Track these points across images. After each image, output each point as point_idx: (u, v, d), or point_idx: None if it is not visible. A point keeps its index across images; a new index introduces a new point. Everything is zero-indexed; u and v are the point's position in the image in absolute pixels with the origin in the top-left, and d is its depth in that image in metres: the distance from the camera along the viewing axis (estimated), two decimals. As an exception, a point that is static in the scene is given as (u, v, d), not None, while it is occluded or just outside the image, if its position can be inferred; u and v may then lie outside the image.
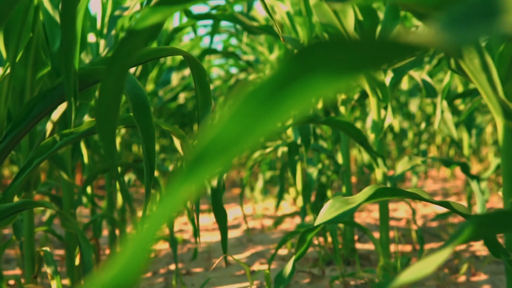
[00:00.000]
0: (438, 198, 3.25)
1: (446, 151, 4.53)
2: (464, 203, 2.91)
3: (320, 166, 1.97)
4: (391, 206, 3.02)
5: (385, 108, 1.36)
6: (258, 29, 1.54)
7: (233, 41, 3.96)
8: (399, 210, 2.93)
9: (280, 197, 2.31)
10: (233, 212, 2.91)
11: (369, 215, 2.64)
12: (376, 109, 1.35)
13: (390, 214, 2.78)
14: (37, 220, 2.76)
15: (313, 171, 1.92)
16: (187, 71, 3.22)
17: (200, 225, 2.64)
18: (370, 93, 1.36)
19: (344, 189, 1.72)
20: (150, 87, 3.14)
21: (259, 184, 2.88)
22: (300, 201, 2.69)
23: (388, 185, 1.37)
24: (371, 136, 1.35)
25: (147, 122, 0.87)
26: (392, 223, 2.53)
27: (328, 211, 0.74)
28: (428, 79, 1.61)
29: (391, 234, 2.22)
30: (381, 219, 1.35)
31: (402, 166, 1.39)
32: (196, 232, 1.73)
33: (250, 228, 2.33)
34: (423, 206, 2.88)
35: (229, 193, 3.88)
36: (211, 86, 3.46)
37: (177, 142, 1.07)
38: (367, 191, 0.75)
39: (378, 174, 1.34)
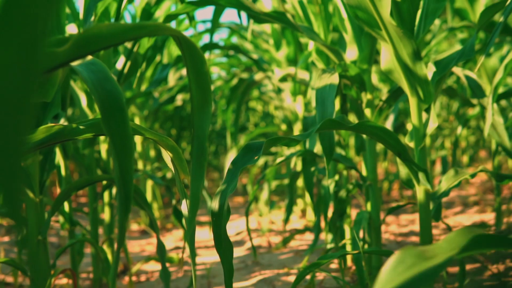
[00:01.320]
0: (458, 209, 2.99)
1: (459, 157, 4.26)
2: (490, 214, 2.64)
3: (337, 177, 1.71)
4: (405, 217, 2.76)
5: (427, 111, 1.10)
6: (266, 16, 1.28)
7: (235, 39, 3.69)
8: (418, 222, 2.66)
9: (289, 211, 2.04)
10: (235, 225, 2.64)
11: (386, 229, 2.37)
12: (416, 112, 1.09)
13: (408, 227, 2.52)
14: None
15: (329, 184, 1.66)
16: (185, 70, 2.95)
17: (199, 241, 2.37)
18: (409, 91, 1.09)
19: (368, 207, 1.45)
20: (145, 87, 2.88)
21: (264, 195, 2.61)
22: (310, 214, 2.42)
23: (431, 205, 1.11)
24: (411, 145, 1.08)
25: (121, 129, 0.61)
26: (412, 238, 2.27)
27: (395, 271, 0.47)
28: (473, 75, 1.35)
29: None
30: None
31: (447, 181, 1.13)
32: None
33: (256, 245, 2.07)
34: (443, 217, 2.61)
35: (230, 202, 3.61)
36: (212, 87, 3.19)
37: (166, 155, 0.81)
38: (455, 238, 0.48)
39: (420, 192, 1.08)
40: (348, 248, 1.57)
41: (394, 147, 1.06)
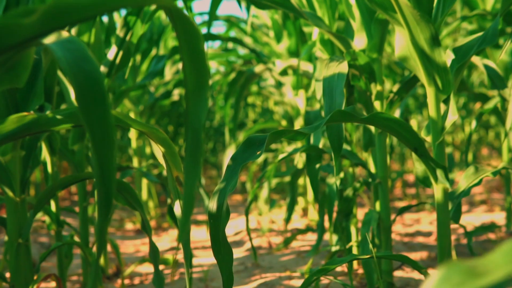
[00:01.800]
0: (464, 208, 2.89)
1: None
2: (499, 214, 2.55)
3: (342, 175, 1.61)
4: (410, 216, 2.67)
5: (446, 102, 1.00)
6: (269, 1, 1.18)
7: (233, 34, 3.59)
8: (423, 221, 2.57)
9: (290, 210, 1.95)
10: (234, 224, 2.54)
11: (404, 230, 2.27)
12: (434, 103, 0.99)
13: (414, 227, 2.42)
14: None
15: (334, 182, 1.56)
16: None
17: (196, 241, 2.27)
18: (426, 80, 1.00)
19: (377, 206, 1.36)
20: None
21: (264, 193, 2.52)
22: (312, 213, 2.33)
23: (450, 205, 1.01)
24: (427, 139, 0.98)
25: (101, 117, 0.51)
26: (419, 239, 2.18)
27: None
28: (493, 65, 1.25)
29: (425, 254, 1.87)
30: (440, 256, 0.99)
31: (467, 179, 1.03)
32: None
33: (256, 246, 1.97)
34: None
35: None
36: (210, 81, 3.09)
37: (156, 149, 0.71)
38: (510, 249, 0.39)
39: (437, 191, 0.98)
40: (355, 250, 1.47)
41: (409, 141, 0.96)
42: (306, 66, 1.74)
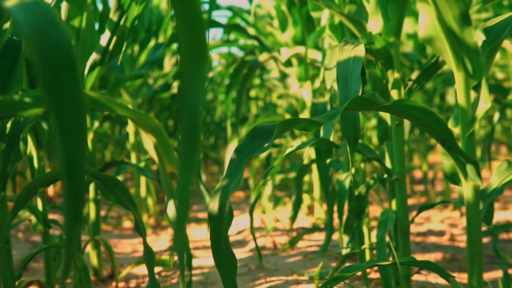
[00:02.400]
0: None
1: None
2: (512, 212, 2.43)
3: (352, 171, 1.50)
4: (422, 213, 2.55)
5: (476, 89, 0.89)
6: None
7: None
8: (433, 219, 2.46)
9: (296, 208, 1.83)
10: (236, 222, 2.43)
11: (416, 229, 2.16)
12: (463, 90, 0.88)
13: (425, 226, 2.31)
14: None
15: (345, 178, 1.45)
16: (182, 55, 2.74)
17: (197, 241, 2.16)
18: (455, 64, 0.88)
19: (393, 205, 1.25)
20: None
21: (268, 190, 2.40)
22: (318, 211, 2.21)
23: (481, 205, 0.90)
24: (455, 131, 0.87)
25: (69, 94, 0.40)
26: (431, 239, 2.06)
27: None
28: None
29: (439, 256, 1.75)
30: (470, 265, 0.87)
31: (499, 175, 0.92)
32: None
33: (260, 246, 1.86)
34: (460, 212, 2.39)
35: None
36: (211, 73, 2.97)
37: (147, 140, 0.60)
38: None
39: (467, 189, 0.87)
40: (368, 253, 1.36)
41: (437, 133, 0.85)
42: (314, 54, 1.63)
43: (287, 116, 2.63)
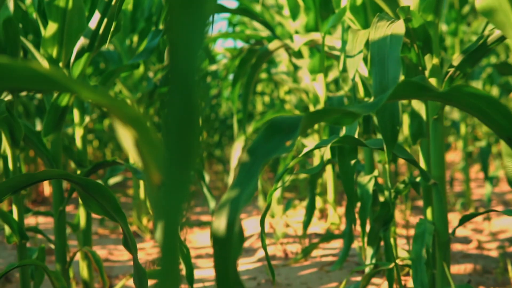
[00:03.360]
0: (498, 209, 2.59)
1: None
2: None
3: (376, 173, 1.32)
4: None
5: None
6: None
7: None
8: (453, 224, 2.27)
9: (310, 213, 1.66)
10: (243, 224, 2.25)
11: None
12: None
13: (466, 227, 2.13)
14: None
15: (368, 181, 1.27)
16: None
17: (199, 248, 1.99)
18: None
19: (428, 214, 1.06)
20: (141, 68, 2.49)
21: (276, 192, 2.22)
22: (332, 215, 2.03)
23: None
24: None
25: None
26: (457, 246, 1.88)
27: None
28: None
29: (469, 267, 1.57)
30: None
31: None
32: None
33: (270, 255, 1.68)
34: (484, 219, 2.21)
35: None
36: (215, 66, 2.80)
37: (123, 135, 0.42)
38: None
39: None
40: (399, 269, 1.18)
41: (502, 128, 0.67)
42: (331, 41, 1.45)
43: (296, 112, 2.46)
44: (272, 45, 1.52)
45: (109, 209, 0.82)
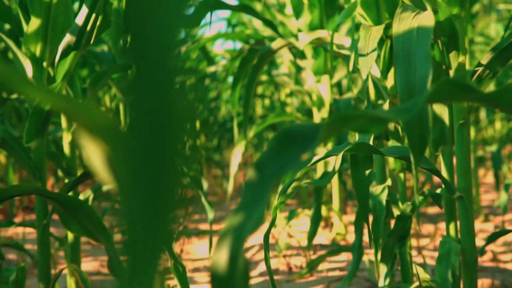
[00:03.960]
0: None
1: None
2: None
3: (389, 182, 1.21)
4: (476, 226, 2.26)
5: None
6: None
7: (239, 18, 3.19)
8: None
9: (315, 224, 1.55)
10: (242, 236, 2.14)
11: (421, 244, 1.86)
12: None
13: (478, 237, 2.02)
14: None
15: (381, 192, 1.17)
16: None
17: (197, 260, 1.88)
18: None
19: (451, 230, 0.95)
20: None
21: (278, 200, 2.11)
22: (337, 225, 1.92)
23: None
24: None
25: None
26: (486, 261, 1.77)
27: None
28: None
29: (482, 283, 1.46)
30: None
31: None
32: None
33: (272, 269, 1.57)
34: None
35: (235, 203, 3.12)
36: (214, 68, 2.69)
37: (90, 150, 0.31)
38: None
39: None
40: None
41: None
42: (339, 39, 1.34)
43: (298, 115, 2.34)
44: (275, 43, 1.41)
45: (91, 228, 0.71)
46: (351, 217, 2.29)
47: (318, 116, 2.06)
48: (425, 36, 0.66)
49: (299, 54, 2.11)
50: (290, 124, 0.49)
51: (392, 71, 1.20)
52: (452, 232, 0.96)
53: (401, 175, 1.20)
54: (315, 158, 0.94)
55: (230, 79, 3.59)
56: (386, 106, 0.98)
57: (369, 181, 0.95)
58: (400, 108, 0.49)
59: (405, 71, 0.65)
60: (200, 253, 1.96)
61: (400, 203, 1.21)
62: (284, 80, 2.32)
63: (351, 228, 2.11)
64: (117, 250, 0.77)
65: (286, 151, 0.46)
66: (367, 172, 0.95)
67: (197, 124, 4.20)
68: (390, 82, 1.20)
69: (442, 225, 2.23)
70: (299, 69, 1.98)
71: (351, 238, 1.92)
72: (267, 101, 4.32)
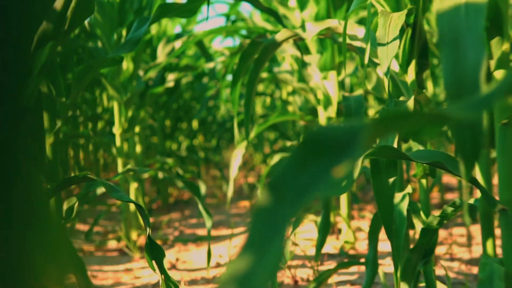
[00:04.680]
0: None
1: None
2: None
3: (409, 189, 1.08)
4: (460, 230, 2.13)
5: None
6: None
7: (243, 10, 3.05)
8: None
9: (324, 234, 1.41)
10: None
11: (442, 255, 1.73)
12: None
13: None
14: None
15: (401, 200, 1.03)
16: (179, 41, 2.32)
17: (195, 270, 1.74)
18: None
19: (489, 248, 0.82)
20: (130, 66, 2.25)
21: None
22: (346, 232, 1.79)
23: None
24: None
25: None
26: None
27: None
28: None
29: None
30: None
31: None
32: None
33: (278, 282, 1.43)
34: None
35: (235, 207, 2.99)
36: (212, 64, 2.55)
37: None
38: None
39: None
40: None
41: None
42: (351, 29, 1.21)
43: (301, 115, 2.21)
44: (280, 35, 1.28)
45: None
46: (358, 222, 2.15)
47: (324, 115, 1.93)
48: (477, 13, 0.53)
49: (303, 48, 1.97)
50: (319, 127, 0.36)
51: (412, 64, 1.07)
52: (489, 250, 0.82)
53: (423, 181, 1.07)
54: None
55: (230, 77, 3.45)
56: (410, 104, 0.84)
57: (393, 191, 0.82)
58: (469, 104, 0.35)
59: (452, 57, 0.52)
60: (198, 262, 1.83)
61: (422, 214, 1.07)
62: (286, 78, 2.19)
63: (359, 235, 1.97)
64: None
65: (313, 163, 0.33)
66: (391, 180, 0.82)
67: (196, 124, 4.07)
68: (410, 76, 1.07)
69: (456, 230, 2.09)
70: (304, 64, 1.85)
71: (360, 246, 1.79)
72: (267, 100, 4.18)
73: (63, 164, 3.17)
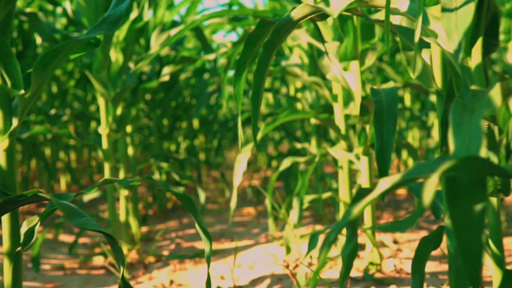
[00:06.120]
0: None
1: None
2: None
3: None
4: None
5: None
6: None
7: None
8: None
9: (350, 262, 1.14)
10: (250, 259, 1.73)
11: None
12: None
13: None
14: None
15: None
16: (175, 29, 2.05)
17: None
18: None
19: None
20: (120, 58, 1.98)
21: (293, 216, 1.71)
22: (370, 252, 1.52)
23: None
24: None
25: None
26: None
27: None
28: None
29: None
30: None
31: None
32: None
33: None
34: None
35: (238, 214, 2.72)
36: (213, 55, 2.28)
37: None
38: None
39: None
40: None
41: None
42: (392, 2, 0.94)
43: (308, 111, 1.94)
44: (297, 11, 1.00)
45: None
46: (378, 236, 1.89)
47: (340, 113, 1.66)
48: None
49: (315, 36, 1.71)
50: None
51: (478, 43, 0.80)
52: None
53: (493, 200, 0.80)
54: (382, 184, 0.54)
55: (232, 73, 3.18)
56: (495, 94, 0.58)
57: (483, 223, 0.55)
58: None
59: None
60: (197, 284, 1.56)
61: (492, 244, 0.80)
62: (295, 71, 1.92)
63: (383, 251, 1.70)
64: None
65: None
66: (480, 207, 0.55)
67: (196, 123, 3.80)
68: (475, 59, 0.80)
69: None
70: (319, 54, 1.58)
71: (386, 267, 1.52)
72: (271, 97, 3.91)
73: (26, 174, 2.90)
